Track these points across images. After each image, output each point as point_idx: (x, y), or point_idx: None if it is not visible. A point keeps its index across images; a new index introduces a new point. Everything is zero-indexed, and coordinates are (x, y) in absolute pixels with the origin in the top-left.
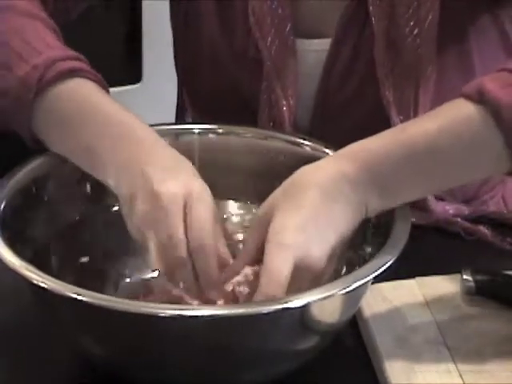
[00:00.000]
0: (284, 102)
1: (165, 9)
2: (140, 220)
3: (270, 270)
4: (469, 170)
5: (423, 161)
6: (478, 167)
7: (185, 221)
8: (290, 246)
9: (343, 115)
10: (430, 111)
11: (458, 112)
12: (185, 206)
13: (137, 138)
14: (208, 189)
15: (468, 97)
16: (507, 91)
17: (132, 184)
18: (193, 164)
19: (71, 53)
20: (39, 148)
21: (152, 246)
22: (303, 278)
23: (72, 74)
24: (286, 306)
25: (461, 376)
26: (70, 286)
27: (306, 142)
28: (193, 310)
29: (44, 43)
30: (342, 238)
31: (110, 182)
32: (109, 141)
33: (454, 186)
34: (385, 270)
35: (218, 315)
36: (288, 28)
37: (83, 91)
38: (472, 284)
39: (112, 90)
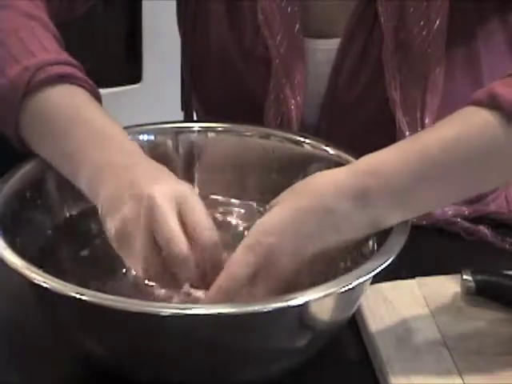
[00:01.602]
0: (292, 101)
1: (165, 9)
2: (128, 223)
3: (230, 268)
4: (487, 178)
5: (441, 171)
6: (497, 173)
7: (180, 220)
8: (257, 248)
9: (351, 115)
10: (436, 114)
11: (471, 119)
12: (179, 207)
13: (120, 150)
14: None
15: (479, 103)
16: None
17: (118, 189)
18: (192, 163)
19: (65, 57)
20: (26, 151)
21: (140, 249)
22: (268, 278)
23: (62, 79)
24: (286, 304)
25: (461, 376)
26: (71, 286)
27: (307, 140)
28: (193, 308)
29: (40, 45)
30: (322, 250)
31: (88, 193)
32: (90, 151)
33: (473, 194)
34: (384, 269)
35: (218, 314)
36: (297, 27)
37: (70, 98)
38: (472, 284)
39: (112, 90)
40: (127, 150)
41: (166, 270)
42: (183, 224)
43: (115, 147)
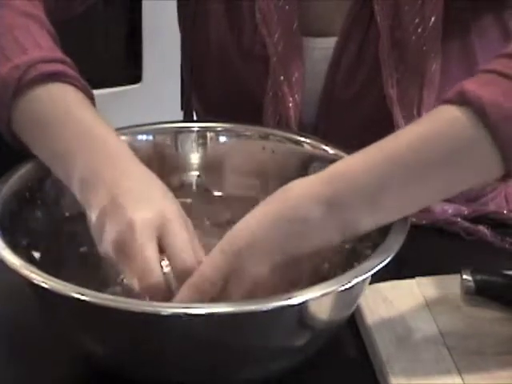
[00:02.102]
0: (290, 99)
1: (165, 9)
2: (111, 248)
3: (201, 268)
4: (460, 176)
5: (411, 171)
6: (470, 171)
7: (160, 247)
8: (227, 250)
9: (348, 112)
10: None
11: (441, 117)
12: (159, 233)
13: (109, 154)
14: (180, 209)
15: (449, 101)
16: (487, 89)
17: (102, 208)
18: (192, 163)
19: (58, 55)
20: (19, 146)
21: (124, 269)
22: (239, 280)
23: (53, 77)
24: (285, 303)
25: (461, 376)
26: (70, 286)
27: (307, 140)
28: (192, 308)
29: (33, 42)
30: (291, 257)
31: (80, 197)
32: (80, 154)
33: (447, 196)
34: (383, 269)
35: (217, 313)
36: (295, 26)
37: (61, 97)
38: (472, 284)
39: (112, 90)
40: (116, 155)
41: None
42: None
43: (104, 151)
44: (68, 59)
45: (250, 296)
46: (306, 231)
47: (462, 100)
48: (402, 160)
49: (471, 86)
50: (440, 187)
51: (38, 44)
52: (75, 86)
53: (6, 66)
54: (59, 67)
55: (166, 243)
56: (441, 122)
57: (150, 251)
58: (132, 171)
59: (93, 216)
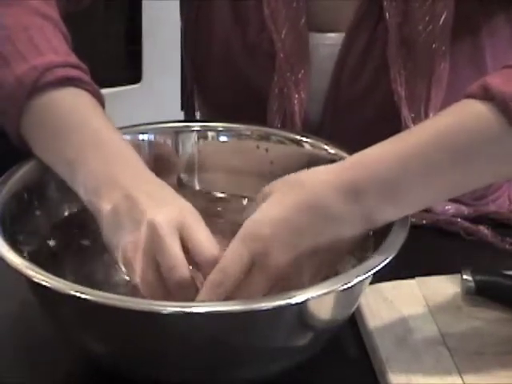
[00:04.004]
0: (295, 96)
1: (165, 9)
2: (129, 248)
3: (222, 261)
4: (480, 171)
5: (430, 162)
6: (489, 166)
7: (182, 244)
8: (249, 240)
9: (355, 110)
10: (440, 109)
11: (464, 111)
12: (180, 231)
13: (121, 161)
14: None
15: (472, 96)
16: (511, 84)
17: (117, 209)
18: (192, 163)
19: (73, 60)
20: (24, 148)
21: (141, 275)
22: (263, 271)
23: (69, 82)
24: (286, 302)
25: (461, 376)
26: (71, 284)
27: (308, 140)
28: (193, 306)
29: (49, 45)
30: (313, 247)
31: (89, 198)
32: (92, 160)
33: (466, 190)
34: (384, 269)
35: (217, 311)
36: (302, 22)
37: (75, 102)
38: (472, 284)
39: (112, 90)
40: (128, 163)
41: (170, 292)
42: (185, 246)
43: (116, 159)
44: (82, 64)
45: (273, 286)
46: (328, 218)
47: (486, 95)
48: (420, 150)
49: (495, 80)
50: (459, 181)
51: (54, 47)
52: (89, 91)
53: (22, 66)
54: (75, 72)
55: (189, 239)
56: (463, 115)
57: (178, 248)
58: (147, 177)
59: (105, 213)
